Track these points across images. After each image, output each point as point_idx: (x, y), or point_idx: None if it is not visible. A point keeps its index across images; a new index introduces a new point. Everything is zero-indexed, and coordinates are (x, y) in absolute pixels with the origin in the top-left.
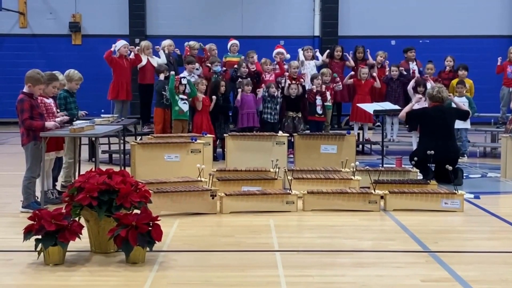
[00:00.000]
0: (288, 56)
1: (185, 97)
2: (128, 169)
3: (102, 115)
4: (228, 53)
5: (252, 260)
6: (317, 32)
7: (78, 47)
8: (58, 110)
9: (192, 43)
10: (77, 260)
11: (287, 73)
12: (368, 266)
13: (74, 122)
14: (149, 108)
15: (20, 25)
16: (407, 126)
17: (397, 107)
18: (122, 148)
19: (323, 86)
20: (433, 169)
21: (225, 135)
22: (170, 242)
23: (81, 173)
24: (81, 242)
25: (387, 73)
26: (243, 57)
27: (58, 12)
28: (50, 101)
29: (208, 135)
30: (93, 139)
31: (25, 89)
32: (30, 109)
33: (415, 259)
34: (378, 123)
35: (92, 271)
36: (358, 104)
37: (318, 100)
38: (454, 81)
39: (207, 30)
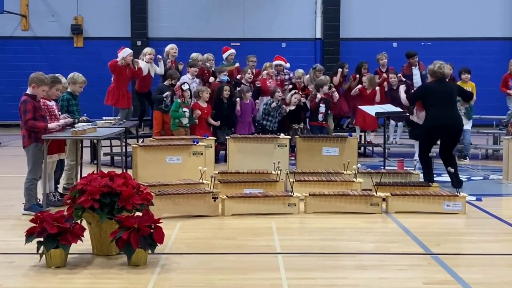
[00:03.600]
0: (287, 65)
1: (186, 109)
2: (130, 172)
3: (104, 117)
4: (224, 62)
5: (254, 262)
6: (318, 35)
7: (80, 50)
8: (60, 113)
9: (194, 55)
10: (79, 262)
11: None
12: (370, 269)
13: (76, 125)
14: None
15: (22, 27)
16: (408, 129)
17: (398, 109)
18: (124, 150)
19: (319, 96)
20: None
21: (226, 137)
22: (172, 245)
23: (83, 175)
24: (83, 245)
25: (385, 87)
26: (237, 65)
27: (60, 14)
28: (52, 103)
29: (210, 137)
30: (95, 141)
31: (29, 91)
32: (33, 110)
33: (417, 262)
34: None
35: (94, 274)
36: (360, 107)
37: (322, 108)
38: None
39: (208, 33)
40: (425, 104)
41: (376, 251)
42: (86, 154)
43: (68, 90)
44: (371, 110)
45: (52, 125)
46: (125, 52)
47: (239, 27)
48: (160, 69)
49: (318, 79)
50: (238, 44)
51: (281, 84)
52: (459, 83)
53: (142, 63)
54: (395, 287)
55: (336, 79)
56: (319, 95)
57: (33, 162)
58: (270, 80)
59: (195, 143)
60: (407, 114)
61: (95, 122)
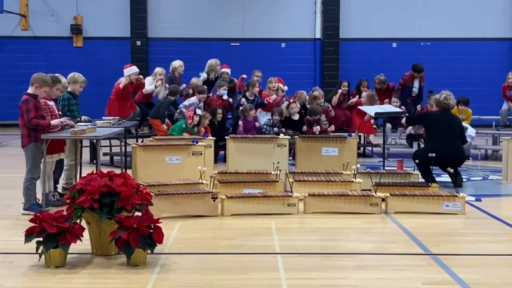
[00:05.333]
0: (285, 88)
1: (187, 134)
2: (129, 172)
3: (103, 117)
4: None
5: (253, 262)
6: (318, 35)
7: (79, 50)
8: (60, 113)
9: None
10: (78, 262)
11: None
12: (369, 269)
13: (75, 124)
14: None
15: (22, 27)
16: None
17: (398, 109)
18: (123, 150)
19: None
20: (432, 171)
21: (226, 137)
22: (172, 245)
23: (82, 175)
24: (82, 245)
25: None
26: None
27: (59, 14)
28: (52, 103)
29: (209, 137)
30: (95, 141)
31: (30, 90)
32: (34, 110)
33: (416, 262)
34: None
35: (93, 274)
36: (359, 107)
37: (315, 129)
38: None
39: (208, 33)
40: (427, 132)
41: (375, 251)
42: (86, 154)
43: (68, 89)
44: (370, 110)
45: (55, 121)
46: (132, 70)
47: (239, 27)
48: (163, 94)
49: (313, 106)
50: (238, 44)
51: (278, 103)
52: (454, 110)
53: (147, 81)
54: (394, 287)
55: (335, 100)
56: (317, 129)
57: (31, 162)
58: (273, 96)
59: (195, 143)
60: (407, 115)
61: (95, 122)
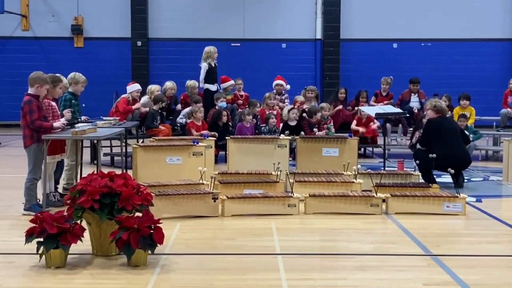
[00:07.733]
0: (288, 87)
1: None
2: (130, 172)
3: (104, 118)
4: (220, 91)
5: (254, 263)
6: (319, 35)
7: (80, 50)
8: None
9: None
10: (79, 263)
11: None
12: (369, 270)
13: (76, 125)
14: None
15: (22, 27)
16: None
17: (399, 110)
18: (124, 150)
19: (320, 133)
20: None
21: (226, 138)
22: (172, 245)
23: (83, 175)
24: (83, 245)
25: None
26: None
27: (60, 14)
28: (54, 103)
29: (210, 137)
30: (95, 141)
31: (31, 91)
32: (37, 110)
33: (417, 263)
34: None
35: (93, 274)
36: (360, 107)
37: (318, 134)
38: (456, 111)
39: (209, 33)
40: (432, 138)
41: (375, 252)
42: (86, 154)
43: (70, 90)
44: (371, 110)
45: (57, 124)
46: (134, 87)
47: (239, 28)
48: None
49: (311, 106)
50: (239, 44)
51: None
52: (457, 108)
53: (143, 101)
54: None
55: (332, 111)
56: (320, 133)
57: (34, 162)
58: (271, 111)
59: (195, 143)
60: (407, 115)
61: (95, 123)
